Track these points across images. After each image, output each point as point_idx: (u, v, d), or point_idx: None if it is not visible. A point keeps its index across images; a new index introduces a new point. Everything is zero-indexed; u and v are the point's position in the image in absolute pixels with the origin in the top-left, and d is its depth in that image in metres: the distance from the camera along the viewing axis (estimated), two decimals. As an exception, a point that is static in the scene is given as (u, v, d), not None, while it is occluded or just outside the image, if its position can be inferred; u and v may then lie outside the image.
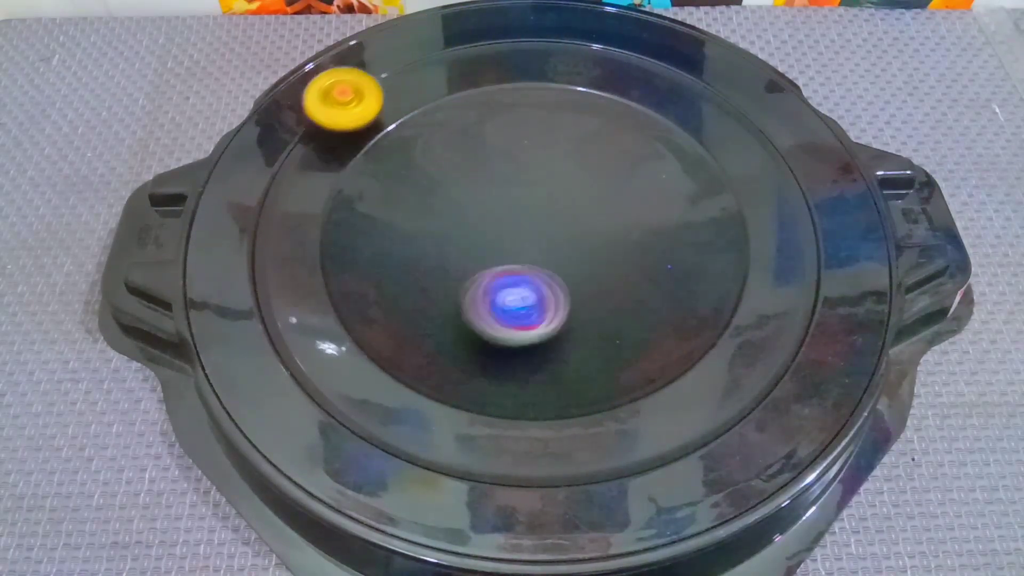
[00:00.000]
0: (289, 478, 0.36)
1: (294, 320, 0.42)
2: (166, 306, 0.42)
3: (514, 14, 0.54)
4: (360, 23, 0.59)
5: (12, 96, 0.56)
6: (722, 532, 0.35)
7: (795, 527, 0.38)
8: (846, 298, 0.42)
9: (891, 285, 0.42)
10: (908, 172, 0.47)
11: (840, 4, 0.61)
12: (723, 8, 0.60)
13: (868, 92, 0.56)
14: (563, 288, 0.40)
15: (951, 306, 0.45)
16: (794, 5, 0.61)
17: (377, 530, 0.35)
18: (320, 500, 0.36)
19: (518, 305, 0.39)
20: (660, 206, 0.47)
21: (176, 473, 0.41)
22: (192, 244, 0.44)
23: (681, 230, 0.46)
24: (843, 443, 0.37)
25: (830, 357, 0.40)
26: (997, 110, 0.55)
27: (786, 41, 0.59)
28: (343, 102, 0.46)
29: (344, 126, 0.47)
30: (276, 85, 0.51)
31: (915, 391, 0.43)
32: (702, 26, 0.58)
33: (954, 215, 0.47)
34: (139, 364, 0.44)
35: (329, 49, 0.52)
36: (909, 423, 0.42)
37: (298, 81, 0.50)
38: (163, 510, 0.40)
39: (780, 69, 0.54)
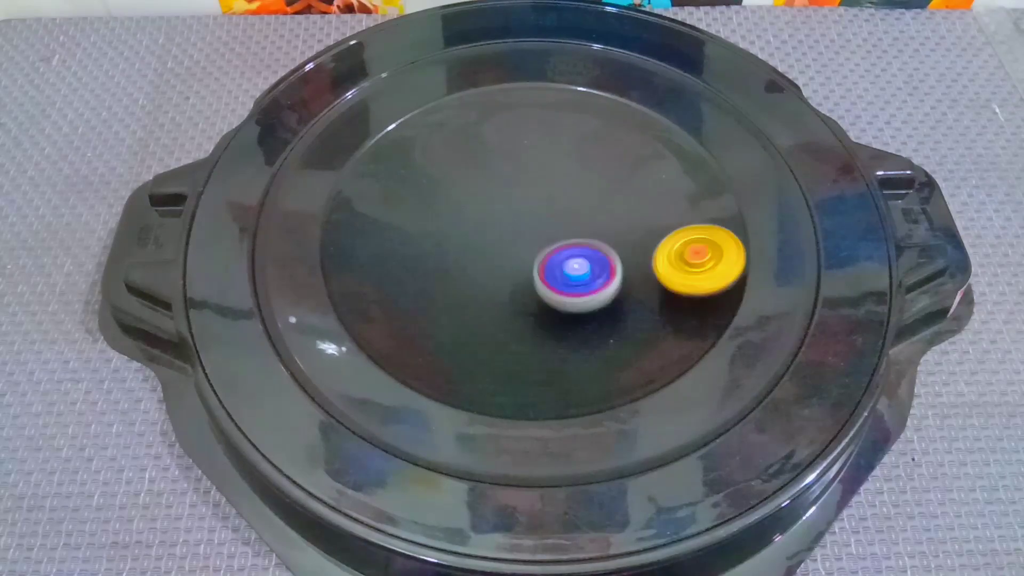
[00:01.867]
0: (289, 478, 0.36)
1: (294, 320, 0.42)
2: (166, 306, 0.42)
3: (514, 14, 0.54)
4: (360, 23, 0.59)
5: (12, 96, 0.56)
6: (722, 532, 0.35)
7: (795, 527, 0.38)
8: (846, 298, 0.42)
9: (891, 285, 0.42)
10: (908, 172, 0.47)
11: (840, 4, 0.61)
12: (723, 8, 0.60)
13: (868, 92, 0.56)
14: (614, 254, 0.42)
15: (951, 306, 0.45)
16: (794, 5, 0.61)
17: (377, 530, 0.35)
18: (320, 500, 0.36)
19: (576, 274, 0.41)
20: (660, 206, 0.47)
21: (176, 473, 0.41)
22: (192, 244, 0.44)
23: (681, 230, 0.46)
24: (843, 443, 0.37)
25: (830, 357, 0.40)
26: (997, 110, 0.55)
27: (786, 41, 0.59)
28: (697, 264, 0.41)
29: (703, 291, 0.41)
30: (276, 85, 0.51)
31: (915, 391, 0.43)
32: (702, 26, 0.58)
33: (954, 215, 0.47)
34: (139, 364, 0.44)
35: (329, 49, 0.52)
36: (909, 423, 0.42)
37: (298, 81, 0.50)
38: (163, 510, 0.40)
39: (780, 69, 0.54)
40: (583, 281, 0.41)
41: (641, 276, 0.44)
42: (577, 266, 0.41)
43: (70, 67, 0.57)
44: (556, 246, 0.42)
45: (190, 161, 0.50)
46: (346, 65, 0.52)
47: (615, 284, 0.41)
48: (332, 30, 0.59)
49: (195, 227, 0.44)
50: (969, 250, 0.45)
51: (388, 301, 0.43)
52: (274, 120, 0.49)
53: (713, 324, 0.42)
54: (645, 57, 0.52)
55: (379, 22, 0.58)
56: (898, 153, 0.51)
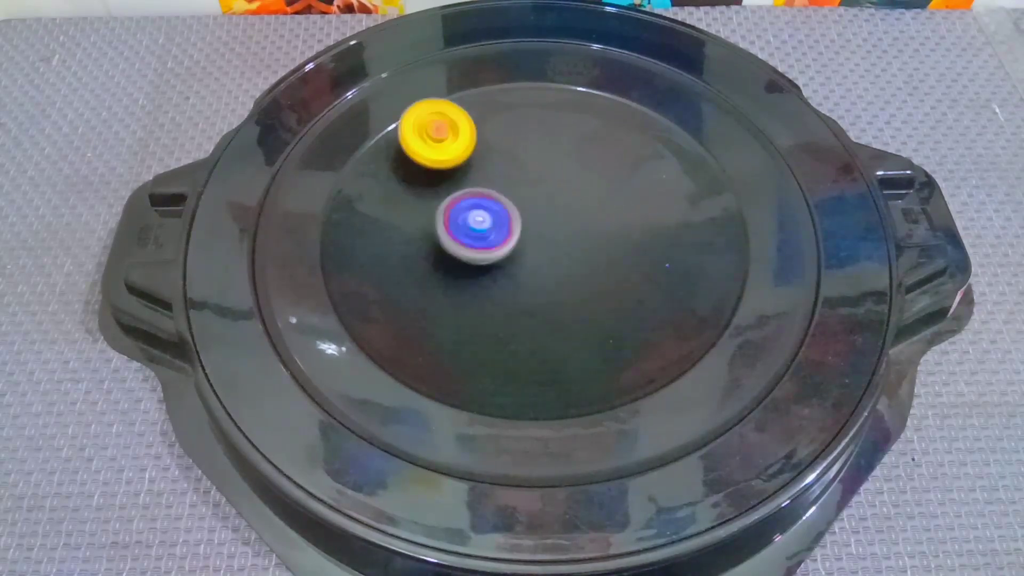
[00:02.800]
0: (289, 478, 0.36)
1: (294, 320, 0.42)
2: (166, 306, 0.42)
3: (514, 14, 0.54)
4: (360, 23, 0.59)
5: (12, 96, 0.56)
6: (722, 532, 0.35)
7: (795, 527, 0.38)
8: (846, 298, 0.42)
9: (891, 285, 0.42)
10: (908, 172, 0.47)
11: (840, 4, 0.61)
12: (723, 8, 0.60)
13: (868, 92, 0.56)
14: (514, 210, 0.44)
15: (951, 306, 0.45)
16: (794, 5, 0.61)
17: (377, 530, 0.35)
18: (320, 500, 0.36)
19: (478, 227, 0.43)
20: (660, 206, 0.47)
21: (176, 473, 0.41)
22: (192, 244, 0.44)
23: (681, 230, 0.46)
24: (843, 443, 0.37)
25: (830, 357, 0.40)
26: (997, 110, 0.55)
27: (786, 41, 0.59)
28: (439, 139, 0.46)
29: (438, 163, 0.46)
30: (276, 85, 0.51)
31: (915, 391, 0.43)
32: (702, 26, 0.58)
33: (954, 215, 0.47)
34: (139, 364, 0.44)
35: (329, 49, 0.52)
36: (909, 423, 0.42)
37: (298, 81, 0.50)
38: (163, 510, 0.40)
39: (780, 69, 0.54)
40: (482, 234, 0.43)
41: (641, 276, 0.44)
42: (480, 219, 0.43)
43: (70, 67, 0.57)
44: (459, 194, 0.44)
45: (190, 161, 0.50)
46: (346, 65, 0.52)
47: (513, 242, 0.43)
48: (332, 30, 0.59)
49: (195, 227, 0.44)
50: (969, 250, 0.45)
51: (388, 301, 0.43)
52: (274, 120, 0.49)
53: (713, 324, 0.42)
54: (645, 57, 0.52)
55: (379, 22, 0.58)
56: (898, 153, 0.51)
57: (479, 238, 0.43)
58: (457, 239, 0.42)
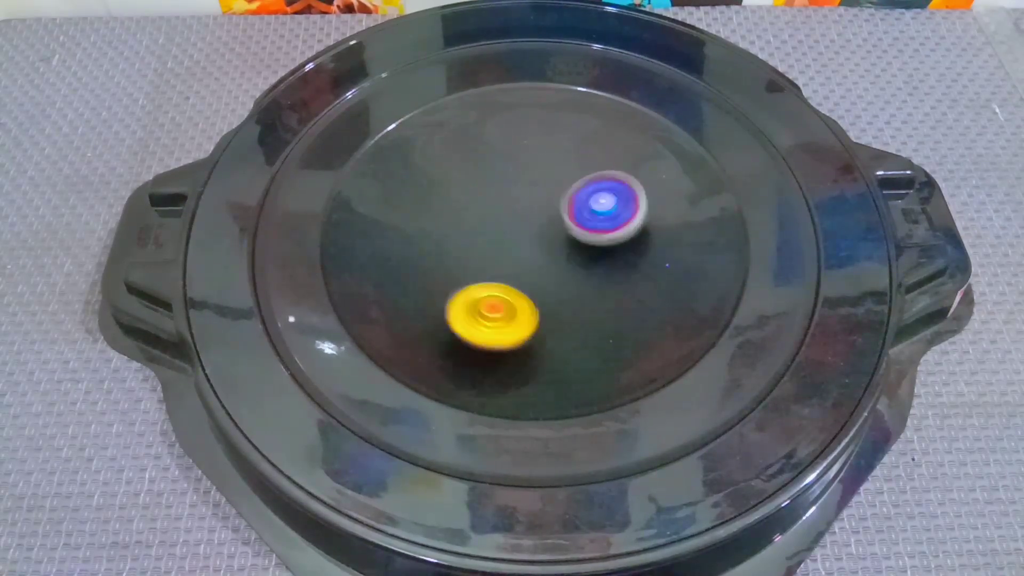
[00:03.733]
0: (289, 478, 0.36)
1: (294, 320, 0.42)
2: (166, 306, 0.42)
3: (514, 14, 0.54)
4: (360, 23, 0.59)
5: (12, 96, 0.56)
6: (722, 532, 0.35)
7: (795, 527, 0.38)
8: (846, 298, 0.42)
9: (891, 285, 0.42)
10: (908, 172, 0.47)
11: (840, 4, 0.61)
12: (723, 8, 0.60)
13: (868, 92, 0.56)
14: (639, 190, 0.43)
15: (951, 306, 0.45)
16: (794, 5, 0.61)
17: (377, 530, 0.35)
18: (320, 500, 0.36)
19: (602, 209, 0.43)
20: (660, 206, 0.47)
21: (176, 473, 0.41)
22: (192, 244, 0.44)
23: (681, 230, 0.46)
24: (843, 443, 0.37)
25: (830, 357, 0.40)
26: (997, 110, 0.55)
27: (786, 41, 0.59)
28: (492, 319, 0.40)
29: (491, 344, 0.40)
30: (276, 85, 0.51)
31: (915, 391, 0.43)
32: (702, 26, 0.58)
33: (954, 215, 0.47)
34: (139, 364, 0.44)
35: (329, 49, 0.52)
36: (909, 423, 0.42)
37: (298, 81, 0.50)
38: (163, 510, 0.40)
39: (780, 69, 0.54)
40: (609, 216, 0.43)
41: (641, 276, 0.44)
42: (604, 201, 0.43)
43: (70, 67, 0.57)
44: (583, 181, 0.44)
45: (190, 161, 0.50)
46: (346, 65, 0.52)
47: (640, 218, 0.43)
48: (332, 30, 0.59)
49: (195, 227, 0.44)
50: (969, 250, 0.45)
51: (388, 301, 0.43)
52: (274, 120, 0.49)
53: (713, 324, 0.42)
54: (645, 57, 0.52)
55: (379, 22, 0.58)
56: (898, 153, 0.51)
57: (606, 220, 0.43)
58: (584, 226, 0.43)
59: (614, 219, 0.43)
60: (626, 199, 0.43)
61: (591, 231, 0.43)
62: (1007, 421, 0.43)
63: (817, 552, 0.39)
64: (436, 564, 0.35)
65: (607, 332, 0.42)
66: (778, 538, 0.38)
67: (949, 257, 0.44)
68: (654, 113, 0.50)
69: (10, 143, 0.53)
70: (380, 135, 0.49)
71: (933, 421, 0.43)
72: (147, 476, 0.41)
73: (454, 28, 0.54)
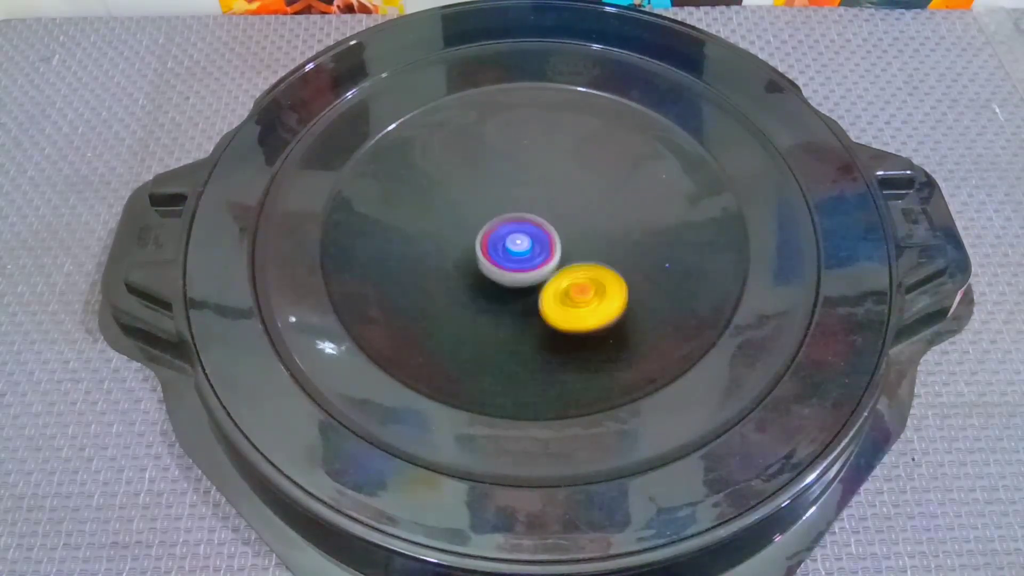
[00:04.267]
0: (289, 478, 0.36)
1: (294, 320, 0.42)
2: (166, 306, 0.42)
3: (514, 14, 0.54)
4: (360, 23, 0.59)
5: (12, 96, 0.56)
6: (722, 532, 0.35)
7: (795, 527, 0.38)
8: (846, 298, 0.42)
9: (891, 285, 0.42)
10: (908, 172, 0.47)
11: (840, 4, 0.61)
12: (723, 8, 0.60)
13: (868, 92, 0.56)
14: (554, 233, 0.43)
15: (951, 306, 0.45)
16: (794, 5, 0.61)
17: (377, 530, 0.35)
18: (320, 500, 0.36)
19: (518, 250, 0.42)
20: (660, 206, 0.47)
21: (176, 473, 0.41)
22: (192, 244, 0.44)
23: (681, 230, 0.46)
24: (843, 443, 0.37)
25: (830, 357, 0.40)
26: (997, 110, 0.55)
27: (786, 41, 0.59)
28: (581, 301, 0.40)
29: (584, 327, 0.41)
30: (276, 85, 0.51)
31: (915, 391, 0.43)
32: (702, 26, 0.58)
33: (954, 215, 0.47)
34: (139, 364, 0.44)
35: (329, 49, 0.52)
36: (909, 423, 0.42)
37: (298, 81, 0.50)
38: (163, 510, 0.40)
39: (780, 69, 0.54)
40: (524, 257, 0.42)
41: (642, 276, 0.44)
42: (520, 242, 0.42)
43: (70, 67, 0.57)
44: (497, 221, 0.43)
45: (190, 161, 0.50)
46: (346, 65, 0.52)
47: (554, 262, 0.42)
48: (332, 30, 0.59)
49: (195, 227, 0.44)
50: (969, 250, 0.45)
51: (388, 301, 0.43)
52: (274, 120, 0.49)
53: (713, 324, 0.42)
54: (645, 57, 0.52)
55: (379, 22, 0.58)
56: (898, 153, 0.51)
57: (520, 261, 0.42)
58: (498, 264, 0.42)
59: (529, 260, 0.42)
60: (542, 242, 0.43)
61: (506, 270, 0.42)
62: (1007, 421, 0.43)
63: (817, 552, 0.39)
64: (436, 564, 0.35)
65: (607, 332, 0.42)
66: (778, 538, 0.38)
67: (949, 257, 0.44)
68: (654, 113, 0.50)
69: (10, 143, 0.53)
70: (380, 135, 0.49)
71: (933, 421, 0.43)
72: (147, 476, 0.41)
73: (454, 28, 0.54)
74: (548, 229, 0.43)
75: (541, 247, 0.43)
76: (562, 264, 0.42)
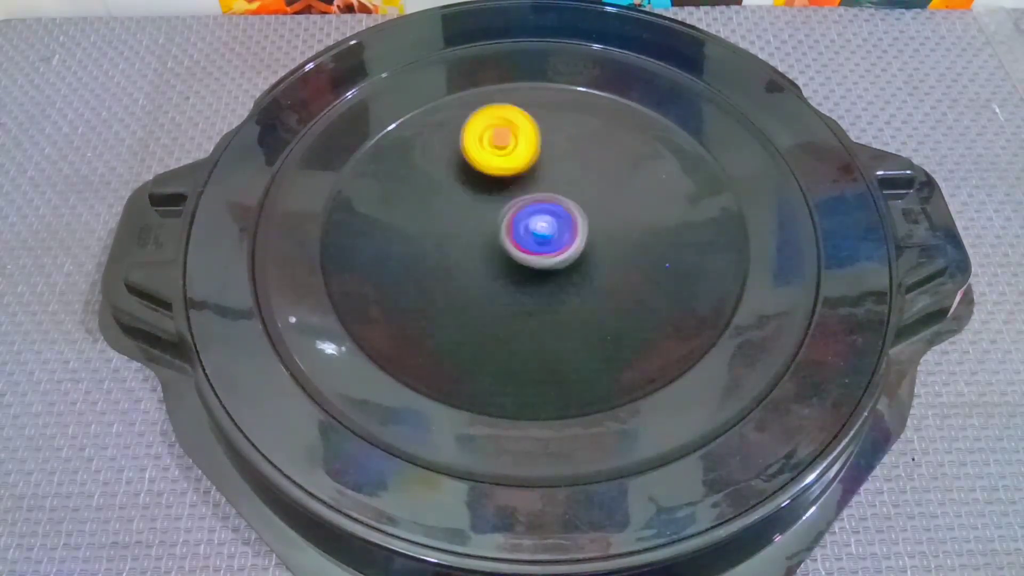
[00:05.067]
0: (289, 478, 0.36)
1: (294, 320, 0.42)
2: (166, 306, 0.42)
3: (514, 14, 0.54)
4: (360, 23, 0.59)
5: (12, 96, 0.56)
6: (722, 532, 0.35)
7: (795, 527, 0.38)
8: (846, 298, 0.42)
9: (891, 285, 0.42)
10: (908, 172, 0.47)
11: (840, 4, 0.61)
12: (723, 8, 0.60)
13: (868, 92, 0.56)
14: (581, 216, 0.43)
15: (951, 306, 0.45)
16: (794, 5, 0.61)
17: (377, 530, 0.35)
18: (320, 500, 0.36)
19: (542, 232, 0.42)
20: (660, 206, 0.47)
21: (176, 473, 0.41)
22: (192, 244, 0.44)
23: (681, 230, 0.46)
24: (843, 443, 0.37)
25: (830, 357, 0.40)
26: (997, 110, 0.55)
27: (786, 41, 0.59)
28: (501, 147, 0.45)
29: (500, 171, 0.46)
30: (276, 85, 0.51)
31: (915, 391, 0.43)
32: (702, 26, 0.58)
33: (954, 215, 0.47)
34: (139, 364, 0.44)
35: (329, 49, 0.52)
36: (909, 423, 0.42)
37: (298, 81, 0.50)
38: (163, 510, 0.40)
39: (780, 69, 0.54)
40: (548, 240, 0.42)
41: (642, 276, 0.44)
42: (544, 224, 0.42)
43: (70, 67, 0.57)
44: (520, 202, 0.43)
45: (190, 161, 0.50)
46: (346, 65, 0.52)
47: (579, 244, 0.42)
48: (332, 30, 0.59)
49: (195, 227, 0.44)
50: (969, 250, 0.45)
51: (388, 301, 0.43)
52: (274, 120, 0.49)
53: (713, 324, 0.42)
54: (645, 57, 0.52)
55: (379, 22, 0.58)
56: (898, 153, 0.51)
57: (543, 244, 0.42)
58: (521, 247, 0.42)
59: (554, 244, 0.42)
60: (567, 223, 0.42)
61: (530, 253, 0.42)
62: (1007, 421, 0.43)
63: (817, 552, 0.39)
64: (436, 564, 0.35)
65: (607, 332, 0.42)
66: (778, 538, 0.38)
67: (949, 257, 0.44)
68: (654, 113, 0.50)
69: (10, 143, 0.53)
70: (380, 135, 0.49)
71: (933, 421, 0.43)
72: (147, 476, 0.41)
73: (454, 28, 0.54)
74: (572, 210, 0.43)
75: (565, 229, 0.42)
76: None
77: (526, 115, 0.46)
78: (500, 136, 0.45)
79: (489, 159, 0.45)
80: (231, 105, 0.55)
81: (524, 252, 0.42)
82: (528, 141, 0.45)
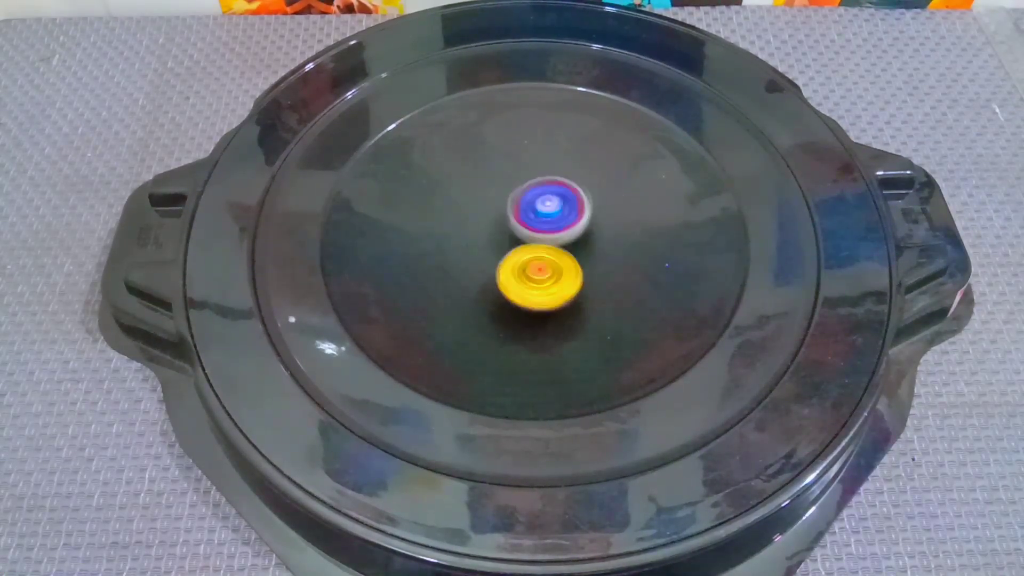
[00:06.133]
0: (289, 478, 0.36)
1: (294, 320, 0.42)
2: (166, 306, 0.42)
3: (514, 14, 0.54)
4: (360, 23, 0.59)
5: (12, 96, 0.56)
6: (722, 532, 0.35)
7: (795, 527, 0.38)
8: (846, 298, 0.42)
9: (891, 285, 0.42)
10: (908, 172, 0.47)
11: (840, 4, 0.61)
12: (723, 8, 0.60)
13: (868, 92, 0.56)
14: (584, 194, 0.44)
15: (951, 306, 0.45)
16: (794, 5, 0.61)
17: (377, 530, 0.35)
18: (320, 500, 0.36)
19: (548, 211, 0.43)
20: (660, 206, 0.47)
21: (176, 473, 0.41)
22: (192, 244, 0.44)
23: (681, 230, 0.46)
24: (843, 443, 0.37)
25: (830, 357, 0.40)
26: (997, 110, 0.55)
27: (786, 41, 0.59)
28: (539, 280, 0.41)
29: (539, 306, 0.41)
30: (276, 85, 0.51)
31: (915, 391, 0.43)
32: (702, 26, 0.58)
33: (954, 215, 0.47)
34: (139, 364, 0.44)
35: (329, 49, 0.52)
36: (909, 423, 0.42)
37: (298, 81, 0.50)
38: (163, 510, 0.40)
39: (780, 69, 0.54)
40: (554, 218, 0.43)
41: (642, 276, 0.44)
42: (549, 204, 0.43)
43: (70, 67, 0.57)
44: (528, 184, 0.44)
45: (190, 161, 0.50)
46: (346, 65, 0.52)
47: (584, 221, 0.43)
48: (332, 30, 0.59)
49: (195, 227, 0.44)
50: (969, 250, 0.45)
51: (388, 301, 0.43)
52: (274, 120, 0.49)
53: (713, 324, 0.42)
54: (645, 57, 0.52)
55: (379, 22, 0.58)
56: (898, 153, 0.51)
57: (549, 222, 0.43)
58: (529, 225, 0.43)
59: (559, 221, 0.43)
60: (571, 203, 0.44)
61: (535, 231, 0.43)
62: (1007, 421, 0.43)
63: (817, 552, 0.39)
64: (436, 564, 0.35)
65: (607, 332, 0.42)
66: (778, 538, 0.38)
67: (949, 257, 0.44)
68: (654, 113, 0.50)
69: (10, 143, 0.53)
70: (380, 135, 0.49)
71: (933, 421, 0.43)
72: (147, 476, 0.41)
73: (454, 28, 0.54)
74: (577, 189, 0.44)
75: (570, 208, 0.43)
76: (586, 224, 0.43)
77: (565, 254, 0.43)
78: (539, 269, 0.42)
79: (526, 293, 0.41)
80: (231, 105, 0.55)
81: (532, 230, 0.43)
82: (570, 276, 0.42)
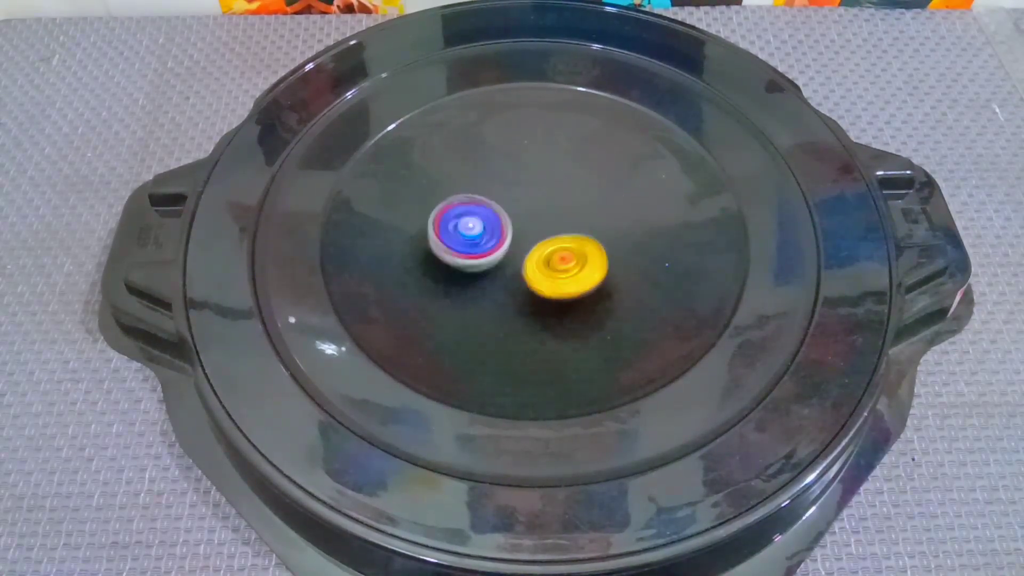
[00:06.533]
0: (289, 478, 0.36)
1: (294, 320, 0.42)
2: (166, 306, 0.42)
3: (514, 14, 0.54)
4: (360, 23, 0.59)
5: (12, 96, 0.56)
6: (722, 532, 0.35)
7: (795, 527, 0.38)
8: (846, 298, 0.42)
9: (891, 285, 0.42)
10: (908, 172, 0.47)
11: (840, 4, 0.61)
12: (723, 8, 0.60)
13: (868, 92, 0.56)
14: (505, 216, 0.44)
15: (951, 306, 0.45)
16: (794, 5, 0.61)
17: (377, 530, 0.35)
18: (320, 500, 0.36)
19: (469, 233, 0.43)
20: (660, 206, 0.47)
21: (176, 473, 0.41)
22: (192, 244, 0.44)
23: (681, 230, 0.46)
24: (843, 443, 0.37)
25: (830, 357, 0.40)
26: (997, 110, 0.55)
27: (786, 41, 0.59)
28: (563, 269, 0.42)
29: (571, 294, 0.42)
30: (276, 85, 0.51)
31: (915, 391, 0.43)
32: (702, 26, 0.58)
33: (954, 215, 0.47)
34: (139, 364, 0.44)
35: (329, 49, 0.52)
36: (909, 423, 0.42)
37: (298, 81, 0.50)
38: (163, 510, 0.40)
39: (780, 69, 0.54)
40: (476, 241, 0.43)
41: (642, 276, 0.44)
42: (472, 225, 0.43)
43: (70, 67, 0.57)
44: (448, 202, 0.44)
45: (190, 161, 0.50)
46: (346, 65, 0.52)
47: (505, 247, 0.43)
48: (332, 30, 0.59)
49: (195, 227, 0.44)
50: (969, 250, 0.45)
51: (388, 301, 0.43)
52: (274, 120, 0.49)
53: (713, 324, 0.42)
54: (645, 57, 0.52)
55: (379, 22, 0.58)
56: (898, 153, 0.51)
57: (471, 244, 0.43)
58: (449, 246, 0.42)
59: (480, 245, 0.43)
60: (493, 225, 0.43)
61: (459, 255, 0.42)
62: (1007, 421, 0.43)
63: (817, 552, 0.39)
64: (436, 564, 0.35)
65: (607, 332, 0.42)
66: (778, 538, 0.38)
67: (949, 257, 0.44)
68: (654, 113, 0.50)
69: (10, 143, 0.53)
70: (380, 135, 0.49)
71: (933, 421, 0.43)
72: (147, 476, 0.41)
73: (454, 28, 0.54)
74: (500, 212, 0.44)
75: (492, 231, 0.43)
76: (516, 247, 0.43)
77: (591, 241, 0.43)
78: (564, 257, 0.42)
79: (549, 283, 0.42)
80: (231, 105, 0.55)
81: (455, 254, 0.42)
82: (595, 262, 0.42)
